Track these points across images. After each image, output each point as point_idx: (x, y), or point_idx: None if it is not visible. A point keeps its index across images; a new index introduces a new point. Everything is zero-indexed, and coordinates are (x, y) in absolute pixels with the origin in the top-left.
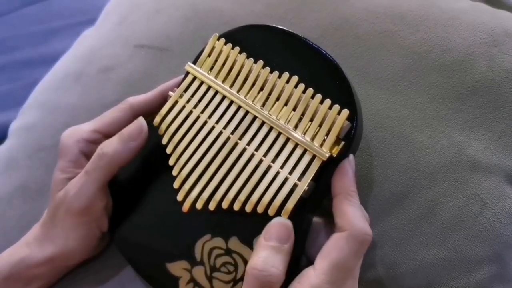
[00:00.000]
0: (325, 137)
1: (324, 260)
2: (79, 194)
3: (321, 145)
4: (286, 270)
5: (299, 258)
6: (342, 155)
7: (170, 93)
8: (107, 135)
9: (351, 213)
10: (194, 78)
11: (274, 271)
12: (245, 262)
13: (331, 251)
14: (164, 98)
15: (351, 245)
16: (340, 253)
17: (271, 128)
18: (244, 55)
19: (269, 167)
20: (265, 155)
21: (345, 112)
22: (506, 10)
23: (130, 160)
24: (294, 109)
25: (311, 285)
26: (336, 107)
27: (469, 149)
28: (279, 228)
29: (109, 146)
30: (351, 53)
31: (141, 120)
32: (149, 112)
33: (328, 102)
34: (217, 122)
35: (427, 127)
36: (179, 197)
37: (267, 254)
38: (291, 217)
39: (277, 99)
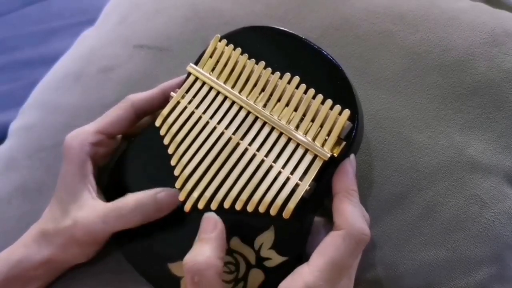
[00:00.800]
0: (327, 137)
1: (320, 257)
2: (89, 237)
3: (323, 145)
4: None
5: (300, 257)
6: (343, 155)
7: (172, 93)
8: (110, 135)
9: (350, 212)
10: (196, 79)
11: (199, 258)
12: (247, 262)
13: (327, 249)
14: (165, 97)
15: (347, 244)
16: (336, 251)
17: (272, 129)
18: (245, 56)
19: (270, 167)
20: (266, 155)
21: (346, 112)
22: (506, 10)
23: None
24: (295, 110)
25: (304, 281)
26: (337, 107)
27: (469, 150)
28: (204, 222)
29: (140, 210)
30: (351, 53)
31: (175, 192)
32: (150, 110)
33: (329, 102)
34: (218, 123)
35: (427, 127)
36: (181, 197)
37: (195, 247)
38: (292, 217)
39: (279, 99)
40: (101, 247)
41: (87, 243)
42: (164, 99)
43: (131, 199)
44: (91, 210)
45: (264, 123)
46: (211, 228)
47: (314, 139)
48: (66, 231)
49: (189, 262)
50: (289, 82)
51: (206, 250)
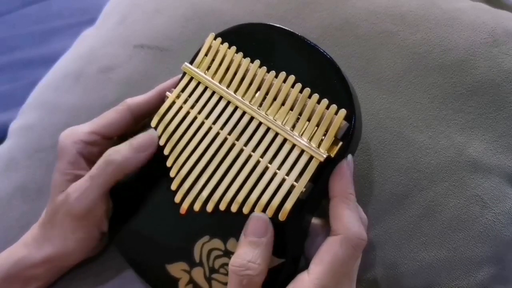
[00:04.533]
0: (323, 138)
1: (318, 264)
2: (81, 198)
3: (319, 145)
4: (269, 263)
5: (297, 259)
6: (341, 155)
7: (168, 93)
8: (105, 136)
9: (346, 217)
10: (191, 78)
11: (251, 265)
12: None
13: (325, 256)
14: (162, 98)
15: (345, 249)
16: (334, 257)
17: (268, 129)
18: (240, 54)
19: (266, 168)
20: (262, 155)
21: (343, 112)
22: (506, 10)
23: (136, 169)
24: (291, 109)
25: None
26: (334, 107)
27: (469, 150)
28: (255, 223)
29: (118, 153)
30: (351, 53)
31: (152, 133)
32: (148, 112)
33: (325, 102)
34: (214, 123)
35: (427, 128)
36: (177, 199)
37: (245, 250)
38: (288, 218)
39: (274, 99)
40: (98, 232)
41: (82, 214)
42: (161, 101)
43: (109, 149)
44: (80, 182)
45: (260, 124)
46: (263, 231)
47: (310, 139)
48: (60, 207)
49: (239, 265)
50: (284, 81)
51: (257, 256)
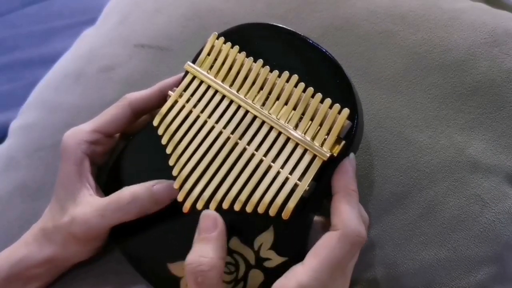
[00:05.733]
0: (326, 137)
1: (314, 257)
2: (87, 232)
3: (322, 144)
4: (224, 256)
5: (300, 258)
6: (343, 154)
7: (170, 92)
8: (107, 134)
9: (346, 213)
10: (194, 77)
11: (202, 260)
12: (246, 262)
13: (321, 249)
14: (163, 95)
15: (342, 245)
16: (331, 252)
17: (271, 128)
18: (243, 54)
19: (269, 167)
20: (265, 155)
21: (346, 111)
22: (506, 10)
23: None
24: (294, 109)
25: (298, 281)
26: (337, 106)
27: (469, 149)
28: (204, 220)
29: (135, 202)
30: (352, 53)
31: (172, 185)
32: (148, 109)
33: (328, 101)
34: (217, 122)
35: (428, 127)
36: (179, 198)
37: (197, 247)
38: (292, 217)
39: (277, 98)
40: (101, 244)
41: (86, 239)
42: (162, 98)
43: (127, 191)
44: (88, 206)
45: (263, 122)
46: (212, 227)
47: (313, 138)
48: (64, 228)
49: (192, 263)
50: (287, 81)
51: (208, 250)
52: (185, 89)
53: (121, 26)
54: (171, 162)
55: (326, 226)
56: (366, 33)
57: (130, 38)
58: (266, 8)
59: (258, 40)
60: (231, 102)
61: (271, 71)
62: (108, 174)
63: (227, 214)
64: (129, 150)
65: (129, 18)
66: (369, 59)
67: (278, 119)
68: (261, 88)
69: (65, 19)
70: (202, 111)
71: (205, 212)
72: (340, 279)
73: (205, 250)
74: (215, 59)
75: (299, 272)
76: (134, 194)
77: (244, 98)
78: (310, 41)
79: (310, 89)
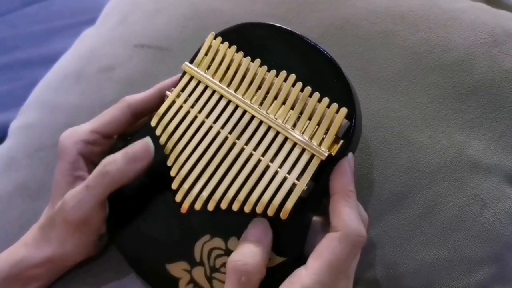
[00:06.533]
0: (324, 136)
1: (316, 260)
2: (77, 208)
3: (320, 144)
4: (266, 265)
5: (299, 258)
6: (341, 154)
7: (167, 93)
8: (106, 135)
9: (346, 214)
10: (191, 77)
11: (250, 261)
12: None
13: (323, 251)
14: (162, 97)
15: (343, 246)
16: (332, 253)
17: (269, 128)
18: (241, 53)
19: (267, 167)
20: (263, 154)
21: (344, 110)
22: (506, 10)
23: (134, 179)
24: (292, 108)
25: (302, 284)
26: (334, 105)
27: (469, 149)
28: (255, 226)
29: (113, 164)
30: (352, 53)
31: (147, 140)
32: (147, 110)
33: (326, 100)
34: (214, 122)
35: (427, 127)
36: (178, 198)
37: (245, 248)
38: (290, 217)
39: (275, 98)
40: (96, 234)
41: (78, 221)
42: (161, 99)
43: (105, 161)
44: (77, 191)
45: (261, 122)
46: (263, 235)
47: (311, 138)
48: (57, 216)
49: (239, 261)
50: (285, 80)
51: (257, 253)
52: (182, 89)
53: (121, 26)
54: (169, 162)
55: (325, 226)
56: (366, 33)
57: (130, 38)
58: (266, 8)
59: (256, 40)
60: (229, 102)
61: (268, 70)
62: None
63: (225, 214)
64: None
65: (129, 18)
66: (368, 59)
67: (276, 119)
68: (259, 88)
69: (65, 19)
70: (199, 111)
71: (257, 219)
72: (343, 279)
73: (254, 252)
74: (213, 59)
75: (303, 275)
76: (110, 157)
77: (242, 98)
78: (308, 40)
79: (308, 89)
